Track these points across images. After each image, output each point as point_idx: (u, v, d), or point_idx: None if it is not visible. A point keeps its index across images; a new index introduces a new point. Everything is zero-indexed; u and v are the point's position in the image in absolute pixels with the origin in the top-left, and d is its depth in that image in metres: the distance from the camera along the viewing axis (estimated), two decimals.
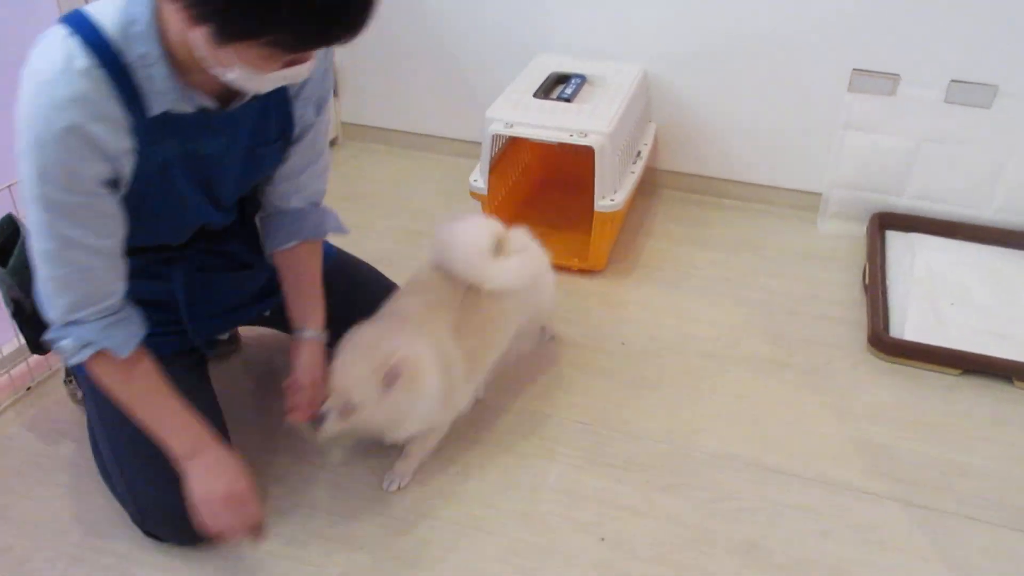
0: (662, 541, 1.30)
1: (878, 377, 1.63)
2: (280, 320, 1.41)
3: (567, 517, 1.33)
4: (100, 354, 1.10)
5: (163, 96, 1.02)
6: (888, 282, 1.86)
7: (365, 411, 1.21)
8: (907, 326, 1.71)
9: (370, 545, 1.28)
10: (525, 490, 1.38)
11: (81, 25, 0.97)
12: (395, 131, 2.48)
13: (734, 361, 1.67)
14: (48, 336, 1.11)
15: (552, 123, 1.82)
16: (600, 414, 1.54)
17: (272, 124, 1.20)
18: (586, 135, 1.78)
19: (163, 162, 1.10)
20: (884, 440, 1.49)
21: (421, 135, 2.46)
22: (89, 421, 1.36)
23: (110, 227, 1.07)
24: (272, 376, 1.61)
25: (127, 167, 1.06)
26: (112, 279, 1.10)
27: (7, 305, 1.31)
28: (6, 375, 1.55)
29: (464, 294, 1.39)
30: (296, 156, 1.28)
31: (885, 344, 1.67)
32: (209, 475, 1.16)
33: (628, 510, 1.35)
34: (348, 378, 1.21)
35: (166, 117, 1.05)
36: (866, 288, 1.85)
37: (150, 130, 1.04)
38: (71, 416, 1.51)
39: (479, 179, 1.92)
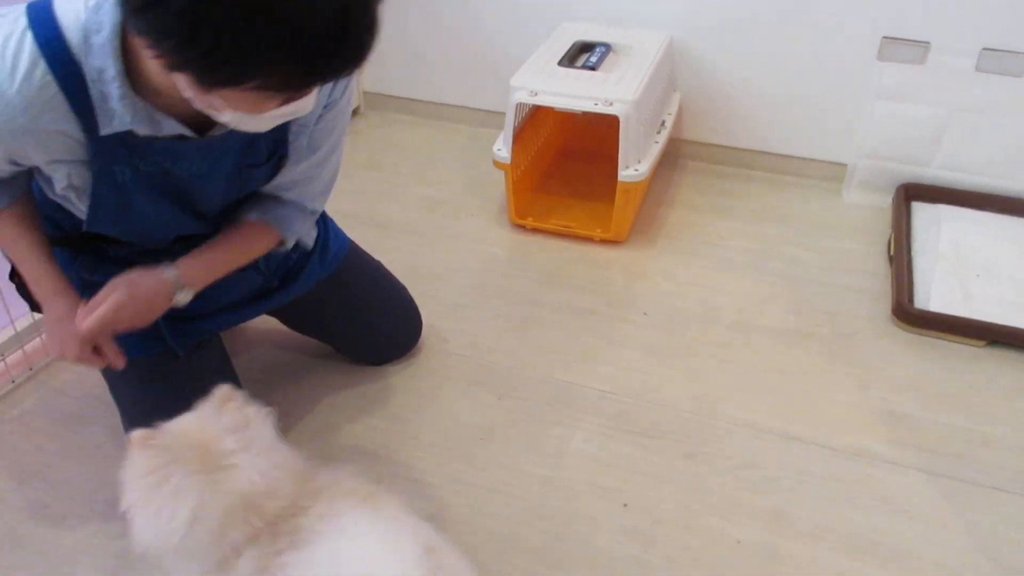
0: (686, 507, 1.31)
1: (902, 348, 1.63)
2: (280, 312, 1.42)
3: (591, 483, 1.35)
4: None
5: (118, 117, 0.93)
6: (913, 253, 1.85)
7: None
8: (932, 297, 1.70)
9: None
10: (550, 456, 1.39)
11: (43, 21, 0.89)
12: (417, 100, 2.48)
13: (758, 331, 1.67)
14: None
15: (577, 91, 1.81)
16: (624, 382, 1.54)
17: (262, 146, 1.11)
18: (611, 103, 1.77)
19: (120, 181, 1.02)
20: (908, 410, 1.49)
21: (443, 104, 2.45)
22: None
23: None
24: (307, 345, 1.63)
25: (69, 172, 0.99)
26: None
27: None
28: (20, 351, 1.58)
29: None
30: (287, 174, 1.17)
31: (910, 315, 1.66)
32: (57, 325, 1.12)
33: (652, 476, 1.36)
34: None
35: (126, 137, 0.97)
36: (891, 259, 1.84)
37: (103, 148, 0.97)
38: (99, 378, 1.53)
39: (503, 148, 1.91)
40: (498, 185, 2.04)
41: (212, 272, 1.18)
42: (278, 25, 0.74)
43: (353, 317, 1.51)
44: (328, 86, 1.09)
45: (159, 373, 1.28)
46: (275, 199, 1.22)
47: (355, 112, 2.48)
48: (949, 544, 1.25)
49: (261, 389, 1.58)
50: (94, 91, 0.92)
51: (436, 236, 1.96)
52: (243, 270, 1.25)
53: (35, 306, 1.24)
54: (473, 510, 1.30)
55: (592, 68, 1.91)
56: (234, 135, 1.03)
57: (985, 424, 1.46)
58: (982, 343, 1.63)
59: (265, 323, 1.68)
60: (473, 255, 1.90)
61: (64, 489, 1.34)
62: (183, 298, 1.15)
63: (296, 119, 1.07)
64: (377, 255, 1.56)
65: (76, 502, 1.31)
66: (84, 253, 1.21)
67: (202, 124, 1.01)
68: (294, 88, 0.83)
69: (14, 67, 0.88)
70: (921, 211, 1.98)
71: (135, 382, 1.27)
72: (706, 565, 1.22)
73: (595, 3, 2.13)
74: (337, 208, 1.51)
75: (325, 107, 1.13)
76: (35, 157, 0.99)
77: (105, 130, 0.95)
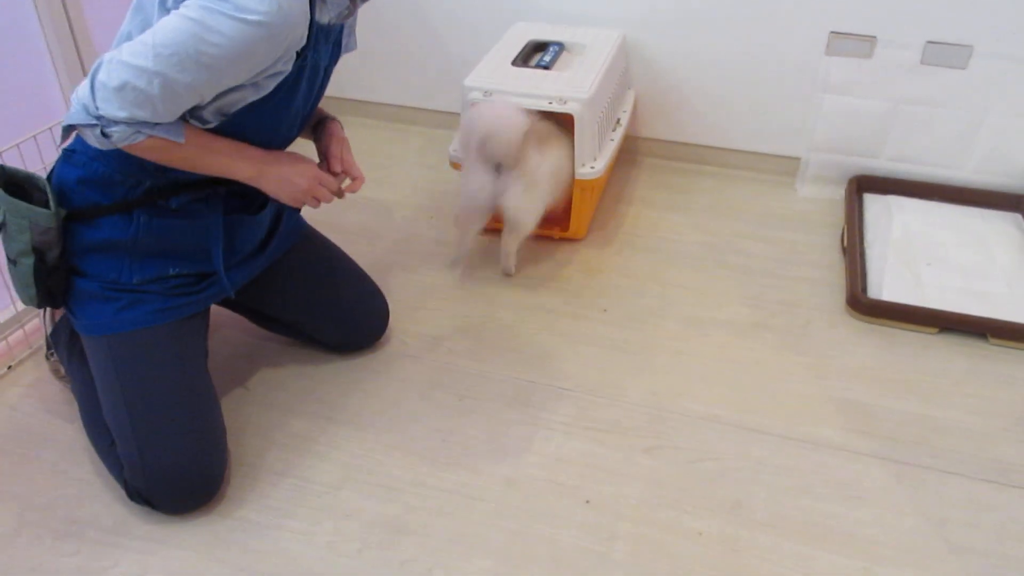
0: (646, 502, 1.31)
1: (857, 337, 1.66)
2: (254, 297, 1.43)
3: (552, 481, 1.35)
4: (150, 138, 1.12)
5: (331, 2, 1.15)
6: (866, 244, 1.88)
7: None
8: (884, 287, 1.73)
9: (357, 513, 1.30)
10: (510, 456, 1.39)
11: None
12: (371, 103, 2.47)
13: (715, 325, 1.69)
14: (86, 121, 1.08)
15: (531, 91, 1.81)
16: (583, 380, 1.55)
17: (339, 47, 1.29)
18: (565, 102, 1.78)
19: (298, 71, 1.17)
20: (862, 398, 1.51)
21: (398, 106, 2.44)
22: (80, 390, 1.38)
23: (221, 98, 1.14)
24: (257, 354, 1.61)
25: (287, 66, 1.14)
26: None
27: (21, 256, 1.24)
28: None
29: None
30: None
31: (863, 305, 1.69)
32: (282, 183, 1.27)
33: (612, 472, 1.37)
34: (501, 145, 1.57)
35: (318, 26, 1.15)
36: (844, 250, 1.87)
37: (311, 41, 1.15)
38: (53, 393, 1.51)
39: (459, 149, 1.91)
40: (456, 186, 2.04)
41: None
42: None
43: (322, 292, 1.51)
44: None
45: (165, 342, 1.31)
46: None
47: None
48: (904, 528, 1.28)
49: (247, 366, 1.57)
50: None
51: (393, 239, 1.96)
52: (259, 212, 1.37)
53: (49, 300, 1.29)
54: (434, 512, 1.30)
55: (546, 67, 1.91)
56: (335, 28, 1.21)
57: (937, 409, 1.49)
58: (934, 330, 1.66)
59: (225, 327, 1.66)
60: (431, 256, 1.89)
61: (15, 506, 1.31)
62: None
63: (348, 21, 1.25)
64: None
65: (28, 519, 1.29)
66: (143, 209, 1.26)
67: None
68: None
69: None
70: (873, 202, 2.02)
71: (142, 353, 1.28)
72: (668, 558, 1.23)
73: (548, 3, 2.14)
74: None
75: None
76: (254, 71, 1.10)
77: (323, 18, 1.15)
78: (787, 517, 1.29)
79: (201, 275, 1.35)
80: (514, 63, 1.93)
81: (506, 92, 1.82)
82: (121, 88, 1.05)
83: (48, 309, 1.50)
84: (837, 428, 1.45)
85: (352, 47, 1.35)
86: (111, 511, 1.29)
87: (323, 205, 1.34)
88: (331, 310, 1.54)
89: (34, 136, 1.54)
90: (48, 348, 1.51)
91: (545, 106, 1.78)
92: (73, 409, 1.46)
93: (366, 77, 2.42)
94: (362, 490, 1.33)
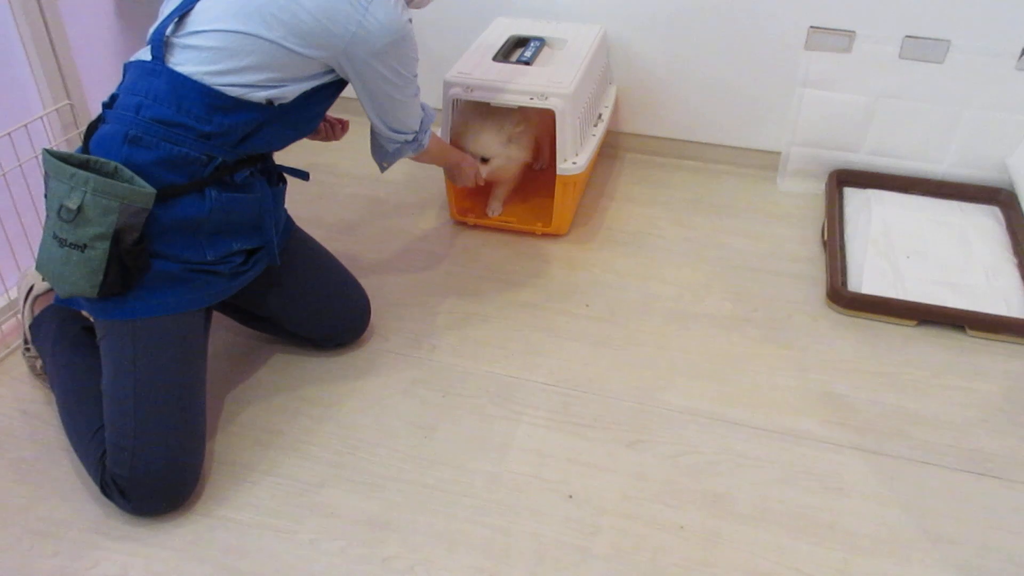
0: (629, 496, 1.32)
1: (837, 330, 1.67)
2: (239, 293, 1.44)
3: (535, 476, 1.35)
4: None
5: None
6: (846, 238, 1.89)
7: (496, 160, 1.83)
8: (864, 280, 1.74)
9: (340, 510, 1.29)
10: (493, 451, 1.40)
11: None
12: (353, 99, 2.44)
13: (697, 319, 1.70)
14: (409, 138, 1.53)
15: (512, 86, 1.81)
16: (565, 375, 1.55)
17: None
18: (547, 98, 1.78)
19: None
20: (843, 391, 1.52)
21: None
22: (62, 376, 1.37)
23: None
24: (239, 352, 1.60)
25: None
26: None
27: (97, 240, 1.20)
28: None
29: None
30: None
31: (843, 298, 1.70)
32: (466, 165, 1.79)
33: (594, 467, 1.37)
34: (485, 145, 1.81)
35: None
36: (825, 244, 1.88)
37: None
38: (30, 393, 1.49)
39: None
40: (438, 182, 2.03)
41: None
42: None
43: (303, 287, 1.52)
44: None
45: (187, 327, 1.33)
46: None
47: None
48: (883, 519, 1.29)
49: (236, 368, 1.56)
50: None
51: (376, 235, 1.95)
52: (280, 184, 1.48)
53: (119, 287, 1.27)
54: (417, 509, 1.30)
55: (527, 63, 1.91)
56: None
57: (916, 401, 1.50)
58: (913, 323, 1.68)
59: None
60: (414, 253, 1.89)
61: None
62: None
63: None
64: None
65: (6, 520, 1.28)
66: (213, 186, 1.30)
67: None
68: None
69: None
70: (853, 196, 2.03)
71: (163, 341, 1.29)
72: (650, 552, 1.23)
73: None
74: None
75: None
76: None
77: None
78: (768, 509, 1.30)
79: (250, 251, 1.39)
80: (495, 58, 1.92)
81: (487, 88, 1.81)
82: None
83: (29, 305, 1.49)
84: (818, 420, 1.46)
85: None
86: (90, 512, 1.28)
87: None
88: (311, 305, 1.54)
89: (8, 133, 1.53)
90: (26, 343, 1.49)
91: (526, 102, 1.78)
92: (51, 410, 1.44)
93: None
94: (345, 487, 1.33)
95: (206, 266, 1.31)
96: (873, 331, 1.67)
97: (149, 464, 1.24)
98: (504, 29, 2.07)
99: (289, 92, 1.30)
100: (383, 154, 1.57)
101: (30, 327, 1.48)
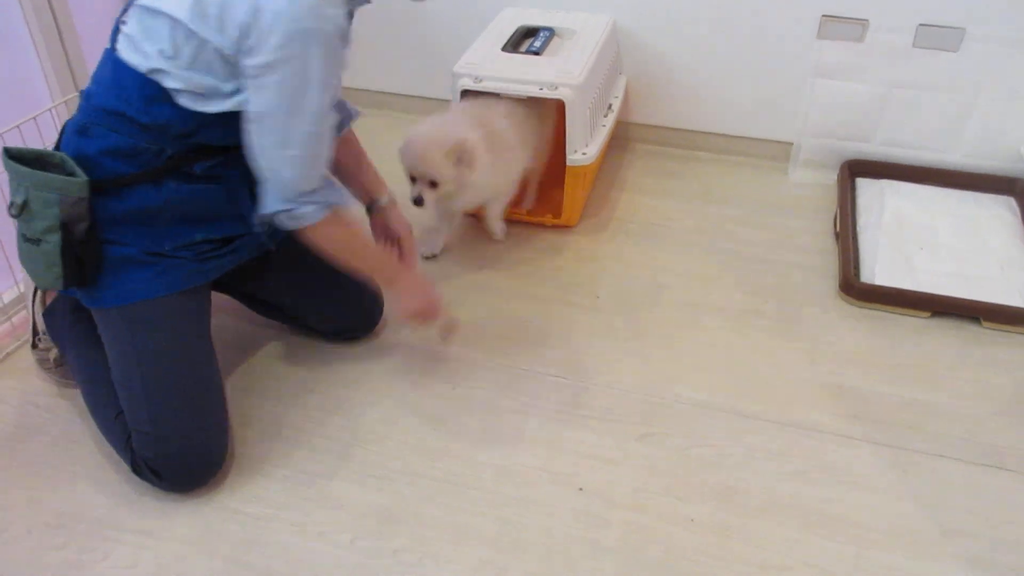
0: (639, 489, 1.31)
1: (849, 322, 1.65)
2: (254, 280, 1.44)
3: (545, 469, 1.35)
4: (332, 213, 1.28)
5: None
6: (858, 229, 1.87)
7: (445, 185, 1.59)
8: (877, 271, 1.73)
9: (349, 503, 1.29)
10: (503, 444, 1.39)
11: None
12: (362, 90, 2.44)
13: (708, 311, 1.68)
14: (277, 208, 1.24)
15: (522, 77, 1.80)
16: (576, 367, 1.54)
17: None
18: (556, 88, 1.76)
19: None
20: (856, 383, 1.51)
21: (388, 93, 2.42)
22: (81, 365, 1.38)
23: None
24: (249, 343, 1.60)
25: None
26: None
27: (47, 233, 1.21)
28: None
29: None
30: None
31: (856, 289, 1.69)
32: (406, 294, 1.44)
33: (605, 460, 1.36)
34: (426, 163, 1.57)
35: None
36: (837, 235, 1.86)
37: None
38: (41, 386, 1.49)
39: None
40: None
41: (378, 179, 1.63)
42: None
43: (318, 279, 1.51)
44: None
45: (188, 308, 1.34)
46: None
47: None
48: (897, 512, 1.28)
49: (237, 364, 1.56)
50: None
51: None
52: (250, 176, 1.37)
53: (77, 280, 1.28)
54: (427, 501, 1.29)
55: (536, 53, 1.90)
56: None
57: (929, 393, 1.49)
58: (926, 314, 1.66)
59: (220, 313, 1.64)
60: (423, 246, 1.88)
61: (4, 500, 1.30)
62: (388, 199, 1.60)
63: None
64: None
65: (18, 513, 1.28)
66: (171, 177, 1.27)
67: None
68: None
69: None
70: (865, 187, 2.01)
71: (159, 322, 1.30)
72: (660, 545, 1.23)
73: None
74: None
75: None
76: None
77: (354, 6, 1.31)
78: (779, 503, 1.29)
79: (226, 239, 1.37)
80: (504, 49, 1.91)
81: (497, 78, 1.80)
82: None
83: (39, 297, 1.49)
84: (830, 413, 1.45)
85: None
86: (101, 503, 1.29)
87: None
88: (327, 297, 1.53)
89: (18, 126, 1.53)
90: (35, 335, 1.49)
91: (536, 92, 1.77)
92: (62, 402, 1.45)
93: (354, 64, 2.39)
94: (354, 480, 1.33)
95: (165, 253, 1.30)
96: (886, 323, 1.65)
97: (172, 446, 1.26)
98: (512, 19, 2.06)
99: (211, 108, 1.20)
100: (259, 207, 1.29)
101: (44, 315, 1.47)
